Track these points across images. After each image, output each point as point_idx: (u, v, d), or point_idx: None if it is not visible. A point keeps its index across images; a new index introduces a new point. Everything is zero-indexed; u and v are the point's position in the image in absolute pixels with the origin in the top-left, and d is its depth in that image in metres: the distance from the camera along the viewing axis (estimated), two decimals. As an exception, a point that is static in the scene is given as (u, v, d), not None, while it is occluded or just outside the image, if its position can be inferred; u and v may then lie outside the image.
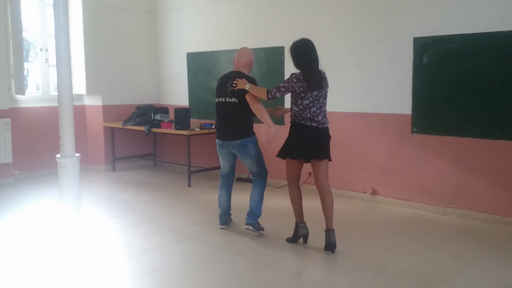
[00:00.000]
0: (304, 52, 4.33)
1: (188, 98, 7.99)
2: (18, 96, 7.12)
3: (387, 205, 5.81)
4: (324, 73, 4.39)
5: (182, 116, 6.98)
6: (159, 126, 7.36)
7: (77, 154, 4.56)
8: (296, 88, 4.27)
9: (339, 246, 4.43)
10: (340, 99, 6.14)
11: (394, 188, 5.80)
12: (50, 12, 4.60)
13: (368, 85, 5.91)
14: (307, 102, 4.25)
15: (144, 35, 8.39)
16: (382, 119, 5.83)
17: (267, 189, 6.55)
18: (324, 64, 6.15)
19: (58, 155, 4.50)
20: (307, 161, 4.43)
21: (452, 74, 5.24)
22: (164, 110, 7.75)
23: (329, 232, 4.28)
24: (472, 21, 5.06)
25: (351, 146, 6.13)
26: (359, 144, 6.07)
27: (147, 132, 7.32)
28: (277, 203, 5.84)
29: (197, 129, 6.97)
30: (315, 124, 4.27)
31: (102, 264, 4.04)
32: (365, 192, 6.05)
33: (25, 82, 7.24)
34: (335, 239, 4.27)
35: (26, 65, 7.31)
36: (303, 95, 4.25)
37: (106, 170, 7.98)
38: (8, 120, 6.89)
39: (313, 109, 4.26)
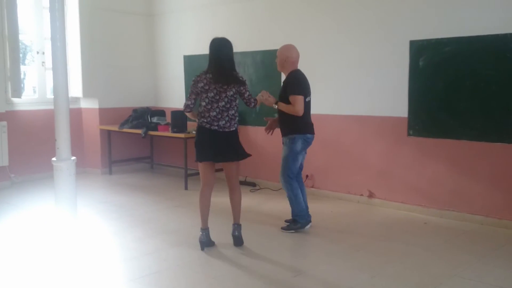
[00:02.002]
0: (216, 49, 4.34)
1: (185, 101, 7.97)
2: (15, 99, 7.11)
3: (383, 207, 5.81)
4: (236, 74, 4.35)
5: (179, 119, 6.97)
6: (155, 129, 7.35)
7: (73, 158, 4.55)
8: (198, 89, 4.32)
9: (336, 248, 4.44)
10: (337, 102, 6.15)
11: (390, 190, 5.80)
12: (47, 15, 4.58)
13: (364, 88, 5.92)
14: (204, 103, 4.30)
15: (141, 38, 8.38)
16: (378, 122, 5.84)
17: (264, 191, 6.57)
18: (320, 67, 6.20)
19: (54, 158, 4.49)
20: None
21: (448, 77, 5.25)
22: (160, 113, 7.75)
23: (234, 225, 4.49)
24: (468, 24, 5.08)
25: (347, 149, 6.14)
26: (356, 147, 6.07)
27: (143, 135, 7.31)
28: (274, 205, 5.83)
29: (194, 132, 6.94)
30: (215, 128, 4.29)
31: (98, 268, 4.02)
32: (361, 195, 6.05)
33: (22, 85, 7.23)
34: (240, 232, 4.47)
35: (22, 68, 7.30)
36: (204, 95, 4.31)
37: (102, 173, 7.96)
38: (5, 123, 6.87)
39: (213, 114, 4.26)
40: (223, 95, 4.23)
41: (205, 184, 4.43)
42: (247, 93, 4.40)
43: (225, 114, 4.25)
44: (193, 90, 4.34)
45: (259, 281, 3.77)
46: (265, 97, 4.73)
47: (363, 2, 5.87)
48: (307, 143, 4.84)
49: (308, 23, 6.37)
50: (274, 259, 4.21)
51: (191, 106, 4.38)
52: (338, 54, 6.13)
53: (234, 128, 4.35)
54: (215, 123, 4.26)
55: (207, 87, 4.26)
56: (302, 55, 4.91)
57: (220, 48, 4.31)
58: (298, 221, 4.88)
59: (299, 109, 4.63)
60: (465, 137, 5.18)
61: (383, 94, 5.77)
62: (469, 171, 5.21)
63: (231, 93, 4.26)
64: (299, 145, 4.76)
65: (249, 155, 4.49)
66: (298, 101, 4.63)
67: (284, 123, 4.83)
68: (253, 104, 4.50)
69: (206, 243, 4.41)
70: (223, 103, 4.24)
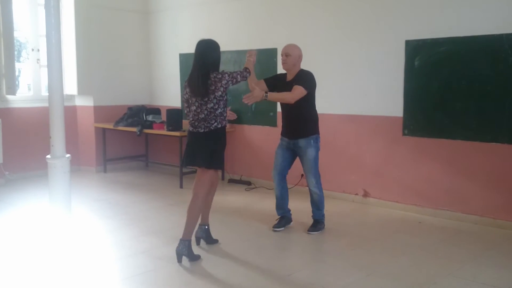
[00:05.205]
0: (194, 55, 4.08)
1: (180, 99, 7.97)
2: (9, 96, 7.07)
3: (378, 207, 5.82)
4: (215, 77, 3.97)
5: (174, 117, 6.97)
6: (151, 127, 7.34)
7: (68, 155, 4.55)
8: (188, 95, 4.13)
9: (331, 247, 4.45)
10: (332, 101, 6.15)
11: (385, 190, 5.82)
12: (42, 12, 4.57)
13: (360, 88, 5.93)
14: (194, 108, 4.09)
15: (137, 35, 8.36)
16: (373, 121, 5.85)
17: (259, 190, 6.57)
18: (316, 66, 6.19)
19: (48, 156, 4.48)
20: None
21: (443, 76, 5.27)
22: (156, 111, 7.73)
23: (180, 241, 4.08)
24: (464, 25, 5.09)
25: (342, 148, 6.15)
26: (351, 146, 6.08)
27: (138, 133, 7.29)
28: (268, 204, 5.83)
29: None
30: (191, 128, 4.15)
31: (92, 266, 4.01)
32: (356, 194, 6.06)
33: (16, 82, 7.20)
34: (181, 248, 4.01)
35: (17, 65, 7.26)
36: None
37: (97, 171, 7.94)
38: (-1, 120, 6.86)
39: (201, 116, 4.05)
40: (211, 96, 4.00)
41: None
42: (230, 76, 4.01)
43: (212, 115, 4.02)
44: (183, 97, 4.20)
45: (254, 280, 3.76)
46: (250, 59, 4.42)
47: (359, 2, 5.88)
48: None
49: (304, 22, 6.37)
50: (270, 258, 4.22)
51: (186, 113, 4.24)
52: (333, 54, 6.13)
53: (209, 129, 4.07)
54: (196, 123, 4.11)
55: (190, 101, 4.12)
56: (298, 54, 4.91)
57: (196, 56, 4.05)
58: (322, 221, 4.91)
59: (294, 97, 4.49)
60: (460, 137, 5.20)
61: (378, 93, 5.78)
62: (464, 171, 5.22)
63: (219, 94, 4.00)
64: (319, 143, 4.81)
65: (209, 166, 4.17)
66: (300, 93, 4.50)
67: (307, 125, 4.71)
68: (245, 73, 4.14)
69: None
70: (211, 104, 4.01)
